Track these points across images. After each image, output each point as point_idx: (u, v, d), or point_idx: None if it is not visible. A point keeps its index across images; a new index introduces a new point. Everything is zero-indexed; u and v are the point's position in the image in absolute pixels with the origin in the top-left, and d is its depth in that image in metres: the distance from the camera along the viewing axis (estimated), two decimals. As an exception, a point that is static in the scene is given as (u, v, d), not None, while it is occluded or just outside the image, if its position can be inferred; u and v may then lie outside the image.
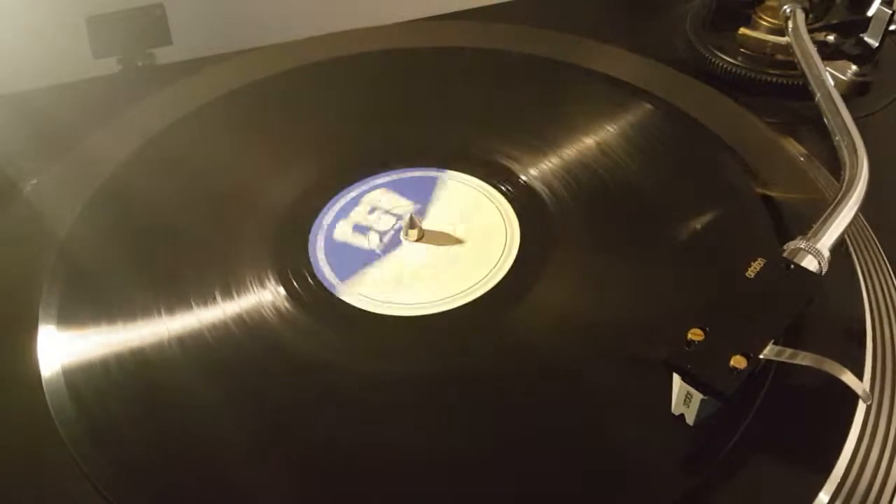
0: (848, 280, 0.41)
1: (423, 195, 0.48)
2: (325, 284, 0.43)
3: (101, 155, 0.51)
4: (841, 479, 0.34)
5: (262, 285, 0.42)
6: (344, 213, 0.47)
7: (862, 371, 0.37)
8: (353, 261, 0.44)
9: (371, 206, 0.47)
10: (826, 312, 0.39)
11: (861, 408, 0.36)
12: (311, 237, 0.45)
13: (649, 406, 0.36)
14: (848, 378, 0.32)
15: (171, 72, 0.60)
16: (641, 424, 0.36)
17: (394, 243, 0.45)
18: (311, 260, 0.44)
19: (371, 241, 0.45)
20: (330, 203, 0.47)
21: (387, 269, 0.44)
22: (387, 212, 0.47)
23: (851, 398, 0.34)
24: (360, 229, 0.46)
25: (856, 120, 0.47)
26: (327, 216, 0.47)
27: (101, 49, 0.61)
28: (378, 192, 0.48)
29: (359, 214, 0.47)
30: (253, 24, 0.68)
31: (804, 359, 0.33)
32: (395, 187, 0.49)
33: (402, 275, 0.43)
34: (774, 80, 0.57)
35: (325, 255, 0.44)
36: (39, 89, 0.58)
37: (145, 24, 0.61)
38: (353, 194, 0.48)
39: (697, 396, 0.33)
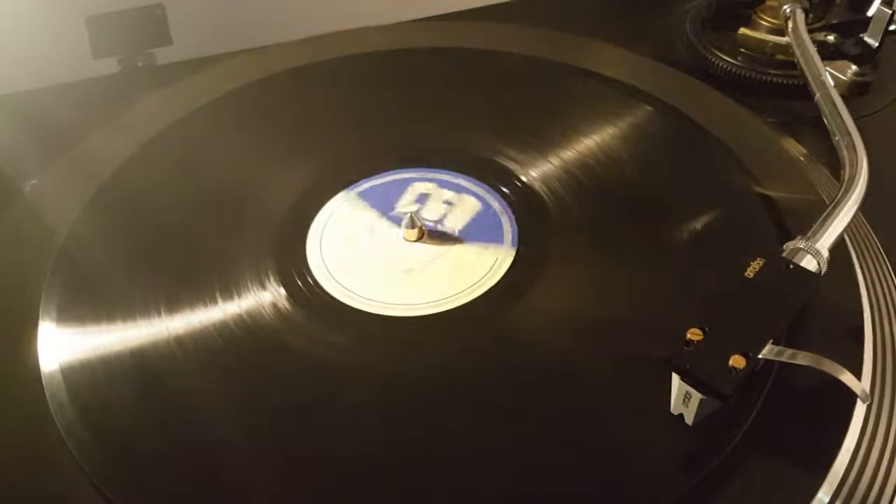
0: (848, 280, 0.41)
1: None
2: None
3: (101, 155, 0.51)
4: (841, 479, 0.34)
5: (262, 285, 0.42)
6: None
7: (862, 371, 0.37)
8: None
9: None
10: (826, 312, 0.39)
11: (861, 408, 0.36)
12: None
13: (649, 406, 0.36)
14: (847, 378, 0.32)
15: (171, 72, 0.60)
16: (641, 424, 0.36)
17: (392, 240, 0.45)
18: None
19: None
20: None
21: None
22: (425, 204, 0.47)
23: (851, 398, 0.34)
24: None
25: (856, 120, 0.47)
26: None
27: (101, 49, 0.61)
28: (423, 184, 0.49)
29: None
30: (253, 24, 0.68)
31: (803, 359, 0.33)
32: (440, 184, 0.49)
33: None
34: (774, 80, 0.57)
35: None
36: (39, 89, 0.58)
37: (145, 24, 0.61)
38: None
39: (696, 396, 0.33)
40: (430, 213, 0.46)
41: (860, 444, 0.35)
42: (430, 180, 0.49)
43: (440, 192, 0.48)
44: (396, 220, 0.46)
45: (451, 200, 0.47)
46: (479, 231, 0.46)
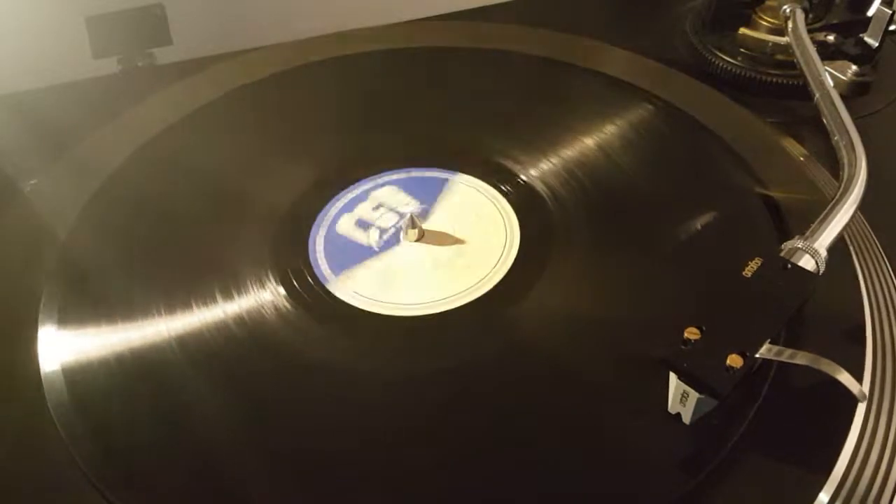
0: (848, 280, 0.41)
1: (429, 195, 0.48)
2: (322, 280, 0.43)
3: (102, 155, 0.51)
4: (841, 479, 0.33)
5: (262, 285, 0.42)
6: (347, 209, 0.47)
7: (862, 371, 0.37)
8: (351, 256, 0.44)
9: (377, 203, 0.47)
10: (826, 312, 0.39)
11: (861, 407, 0.35)
12: (311, 235, 0.45)
13: (650, 406, 0.36)
14: (844, 378, 0.32)
15: (171, 72, 0.60)
16: (642, 424, 0.36)
17: (393, 242, 0.45)
18: (311, 257, 0.44)
19: (371, 238, 0.45)
20: (331, 201, 0.48)
21: (383, 266, 0.44)
22: (391, 209, 0.47)
23: (852, 398, 0.34)
24: (363, 225, 0.46)
25: (856, 120, 0.47)
26: (329, 214, 0.47)
27: (101, 49, 0.61)
28: (384, 189, 0.48)
29: (363, 210, 0.47)
30: (253, 24, 0.68)
31: (801, 358, 0.33)
32: (403, 186, 0.49)
33: (398, 274, 0.43)
34: (774, 80, 0.57)
35: (325, 250, 0.45)
36: (39, 89, 0.58)
37: (145, 24, 0.61)
38: (354, 193, 0.48)
39: (694, 395, 0.33)
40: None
41: (860, 444, 0.35)
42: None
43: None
44: (396, 220, 0.46)
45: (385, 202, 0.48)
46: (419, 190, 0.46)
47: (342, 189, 0.48)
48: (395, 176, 0.49)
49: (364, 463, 0.35)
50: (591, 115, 0.53)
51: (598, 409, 0.37)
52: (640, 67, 0.57)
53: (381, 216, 0.47)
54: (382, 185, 0.49)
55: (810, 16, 0.57)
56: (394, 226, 0.46)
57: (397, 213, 0.47)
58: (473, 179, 0.49)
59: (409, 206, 0.47)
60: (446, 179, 0.49)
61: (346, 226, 0.46)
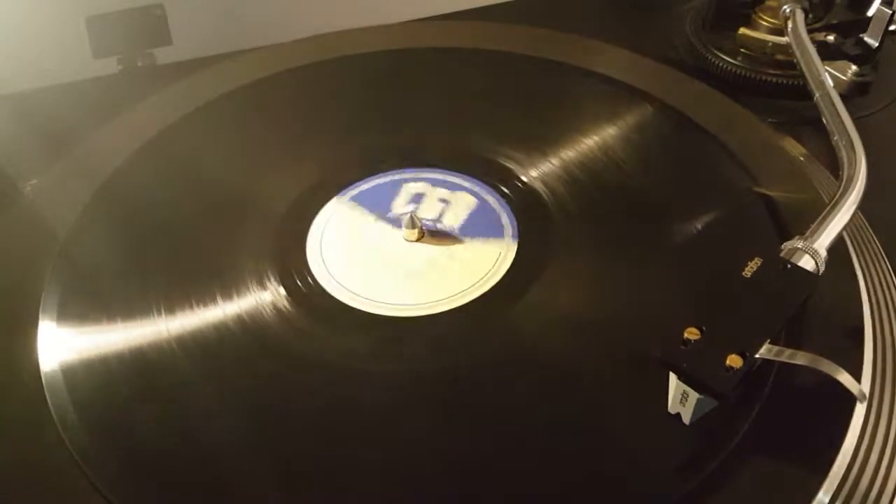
0: (848, 280, 0.41)
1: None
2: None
3: (101, 155, 0.51)
4: (841, 479, 0.33)
5: (262, 285, 0.42)
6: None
7: (861, 370, 0.37)
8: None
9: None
10: (826, 312, 0.39)
11: (861, 407, 0.35)
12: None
13: (651, 406, 0.36)
14: (844, 378, 0.32)
15: (171, 72, 0.60)
16: (642, 424, 0.36)
17: (392, 242, 0.45)
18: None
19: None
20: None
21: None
22: (390, 210, 0.47)
23: (852, 398, 0.34)
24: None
25: (856, 120, 0.46)
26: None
27: (101, 49, 0.61)
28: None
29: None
30: (253, 24, 0.68)
31: (801, 358, 0.33)
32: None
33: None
34: (774, 80, 0.57)
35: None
36: (39, 89, 0.58)
37: (145, 24, 0.61)
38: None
39: (693, 395, 0.33)
40: (428, 212, 0.47)
41: (860, 444, 0.35)
42: (429, 181, 0.49)
43: (435, 191, 0.48)
44: (396, 220, 0.46)
45: (447, 198, 0.47)
46: (479, 228, 0.46)
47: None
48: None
49: (363, 463, 0.35)
50: (591, 115, 0.53)
51: (598, 409, 0.37)
52: (639, 67, 0.57)
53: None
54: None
55: (810, 16, 0.57)
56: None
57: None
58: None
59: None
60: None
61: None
